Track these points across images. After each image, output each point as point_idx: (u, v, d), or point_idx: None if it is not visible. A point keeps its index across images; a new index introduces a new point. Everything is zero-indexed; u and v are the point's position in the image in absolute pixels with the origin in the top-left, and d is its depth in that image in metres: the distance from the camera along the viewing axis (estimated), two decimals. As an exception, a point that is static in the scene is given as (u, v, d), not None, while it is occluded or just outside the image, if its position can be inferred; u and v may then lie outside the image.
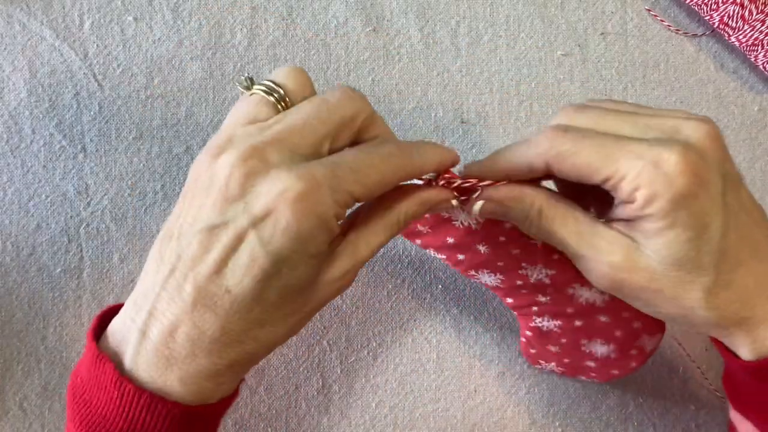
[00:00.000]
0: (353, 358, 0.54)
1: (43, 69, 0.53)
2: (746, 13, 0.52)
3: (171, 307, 0.34)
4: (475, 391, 0.55)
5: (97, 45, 0.53)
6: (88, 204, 0.53)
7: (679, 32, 0.56)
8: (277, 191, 0.32)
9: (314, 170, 0.32)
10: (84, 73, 0.53)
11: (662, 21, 0.56)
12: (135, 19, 0.53)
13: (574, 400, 0.55)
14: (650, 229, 0.35)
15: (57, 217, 0.53)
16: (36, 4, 0.53)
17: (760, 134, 0.56)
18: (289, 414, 0.54)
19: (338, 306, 0.54)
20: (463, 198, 0.40)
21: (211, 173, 0.33)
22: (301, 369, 0.54)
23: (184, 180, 0.46)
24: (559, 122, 0.37)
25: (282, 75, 0.36)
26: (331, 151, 0.35)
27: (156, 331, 0.34)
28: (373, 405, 0.54)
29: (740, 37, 0.53)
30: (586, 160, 0.35)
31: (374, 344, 0.55)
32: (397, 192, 0.38)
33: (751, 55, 0.54)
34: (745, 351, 0.37)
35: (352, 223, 0.37)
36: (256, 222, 0.32)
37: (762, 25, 0.52)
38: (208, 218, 0.33)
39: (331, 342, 0.54)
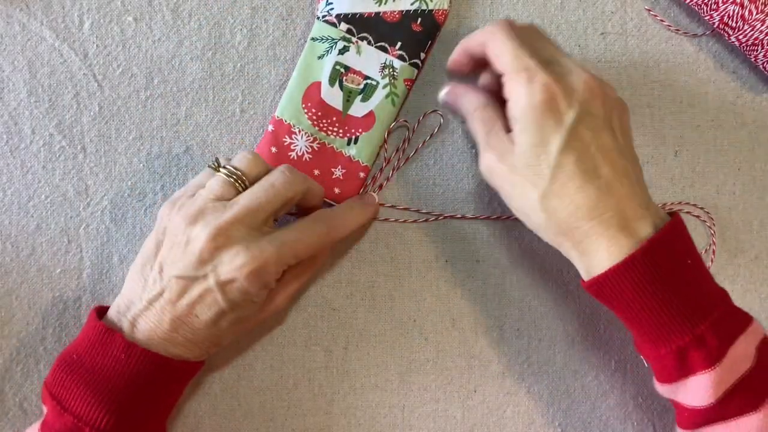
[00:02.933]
0: (353, 359, 0.54)
1: (43, 69, 0.53)
2: (746, 13, 0.52)
3: (155, 324, 0.46)
4: (475, 391, 0.55)
5: (97, 45, 0.53)
6: (88, 204, 0.53)
7: (679, 32, 0.56)
8: (238, 265, 0.44)
9: (264, 250, 0.45)
10: (84, 74, 0.53)
11: (662, 21, 0.56)
12: (135, 19, 0.53)
13: (574, 400, 0.55)
14: (514, 130, 0.45)
15: (57, 218, 0.53)
16: (36, 5, 0.53)
17: (760, 134, 0.56)
18: (290, 413, 0.54)
19: (339, 307, 0.54)
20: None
21: (187, 237, 0.45)
22: (301, 369, 0.54)
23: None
24: (521, 23, 0.47)
25: (240, 161, 0.48)
26: (277, 217, 0.48)
27: (143, 328, 0.46)
28: (373, 405, 0.54)
29: (740, 37, 0.53)
30: (498, 53, 0.45)
31: (374, 344, 0.55)
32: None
33: (751, 55, 0.54)
34: (582, 272, 0.46)
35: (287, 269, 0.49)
36: (221, 284, 0.45)
37: (762, 25, 0.52)
38: (185, 270, 0.45)
39: (331, 342, 0.54)
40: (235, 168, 0.47)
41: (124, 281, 0.48)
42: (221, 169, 0.47)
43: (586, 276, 0.45)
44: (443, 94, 0.51)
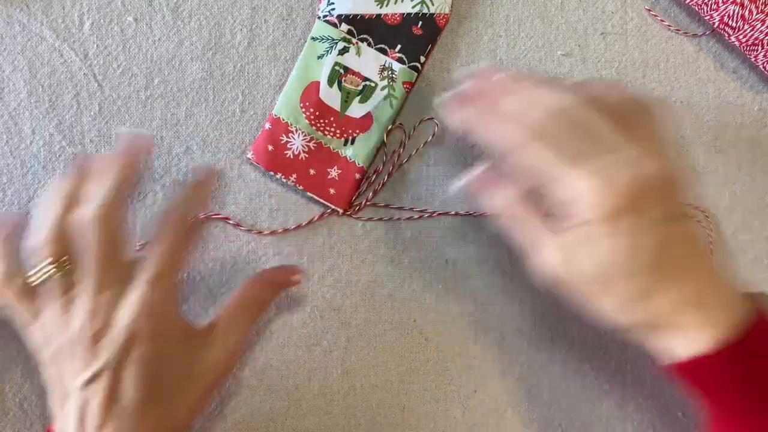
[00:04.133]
0: (353, 359, 0.54)
1: (43, 69, 0.53)
2: (746, 13, 0.52)
3: None
4: (475, 391, 0.55)
5: (97, 45, 0.53)
6: (88, 204, 0.53)
7: (679, 32, 0.56)
8: (126, 320, 0.40)
9: (141, 291, 0.41)
10: (84, 74, 0.53)
11: (662, 21, 0.56)
12: (135, 19, 0.53)
13: (574, 400, 0.55)
14: (593, 235, 0.40)
15: (57, 218, 0.53)
16: (36, 5, 0.53)
17: (760, 134, 0.56)
18: (289, 414, 0.54)
19: (338, 307, 0.54)
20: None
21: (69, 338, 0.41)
22: (301, 369, 0.54)
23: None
24: (563, 105, 0.42)
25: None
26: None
27: None
28: (374, 405, 0.54)
29: (740, 37, 0.53)
30: (543, 164, 0.41)
31: (374, 344, 0.55)
32: (249, 286, 0.48)
33: (751, 55, 0.54)
34: (663, 356, 0.43)
35: (221, 317, 0.46)
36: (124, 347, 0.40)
37: (762, 25, 0.52)
38: (84, 374, 0.40)
39: (331, 342, 0.54)
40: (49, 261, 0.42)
41: None
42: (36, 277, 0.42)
43: (667, 358, 0.43)
44: (456, 188, 0.48)
